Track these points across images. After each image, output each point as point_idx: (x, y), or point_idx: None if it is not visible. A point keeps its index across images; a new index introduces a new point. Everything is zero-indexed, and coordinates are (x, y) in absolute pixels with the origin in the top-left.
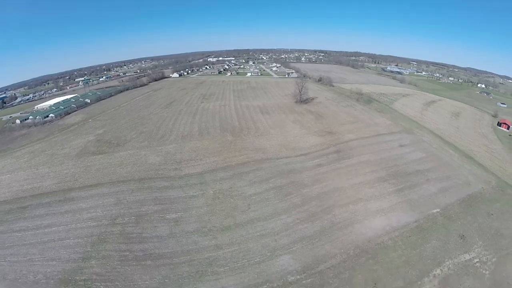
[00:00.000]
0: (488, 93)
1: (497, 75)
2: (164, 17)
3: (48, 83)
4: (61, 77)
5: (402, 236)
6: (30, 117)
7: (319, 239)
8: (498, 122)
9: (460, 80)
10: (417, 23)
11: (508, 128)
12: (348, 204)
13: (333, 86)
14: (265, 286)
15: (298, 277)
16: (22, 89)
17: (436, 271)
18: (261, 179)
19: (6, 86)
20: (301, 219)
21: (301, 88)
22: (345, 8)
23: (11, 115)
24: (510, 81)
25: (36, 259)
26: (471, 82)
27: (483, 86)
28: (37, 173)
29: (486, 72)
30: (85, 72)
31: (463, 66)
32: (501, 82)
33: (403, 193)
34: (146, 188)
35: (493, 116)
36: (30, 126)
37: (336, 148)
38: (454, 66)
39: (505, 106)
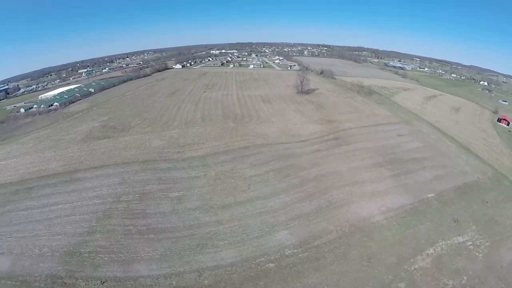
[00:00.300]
0: (490, 91)
1: (500, 74)
2: (167, 9)
3: (51, 75)
4: (63, 69)
5: (397, 217)
6: (35, 106)
7: (315, 216)
8: (498, 118)
9: (462, 77)
10: (421, 19)
11: (508, 124)
12: (344, 186)
13: (334, 78)
14: (263, 259)
15: (295, 251)
16: (24, 81)
17: (429, 250)
18: (261, 162)
19: (8, 78)
20: (299, 198)
21: (303, 79)
22: (350, 3)
23: (15, 105)
24: None
25: (42, 234)
26: (473, 79)
27: (486, 83)
28: (43, 156)
29: (489, 71)
30: (88, 64)
31: (466, 64)
32: (504, 81)
33: (399, 178)
34: (150, 169)
35: (493, 112)
36: (34, 115)
37: (335, 136)
38: (458, 64)
39: (507, 103)
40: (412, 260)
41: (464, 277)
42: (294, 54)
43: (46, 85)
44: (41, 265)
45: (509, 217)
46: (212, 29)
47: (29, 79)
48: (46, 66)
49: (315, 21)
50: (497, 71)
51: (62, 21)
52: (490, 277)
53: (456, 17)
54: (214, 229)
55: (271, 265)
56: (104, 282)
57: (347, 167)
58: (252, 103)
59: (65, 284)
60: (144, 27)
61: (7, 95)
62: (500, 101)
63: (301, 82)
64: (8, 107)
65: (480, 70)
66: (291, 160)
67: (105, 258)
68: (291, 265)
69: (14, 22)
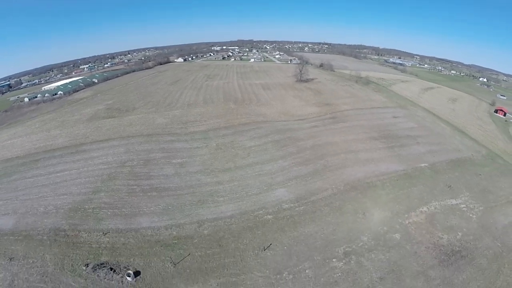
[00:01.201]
0: (488, 86)
1: (501, 73)
2: (168, 7)
3: (52, 71)
4: (65, 66)
5: (390, 180)
6: (39, 95)
7: (312, 177)
8: (495, 109)
9: (462, 74)
10: (422, 18)
11: (504, 115)
12: (339, 154)
13: (333, 71)
14: (261, 212)
15: (292, 205)
16: (26, 77)
17: (422, 208)
18: (260, 135)
19: (9, 75)
20: (296, 163)
21: (302, 68)
22: (351, 1)
23: (18, 96)
24: None
25: (48, 196)
26: (473, 76)
27: (485, 80)
28: (48, 135)
29: (490, 70)
30: (89, 61)
31: (467, 63)
32: (504, 79)
33: (392, 149)
34: (154, 141)
35: (490, 104)
36: (38, 103)
37: (332, 115)
38: (458, 63)
39: (505, 98)
40: (406, 215)
41: (459, 233)
42: (295, 50)
43: (48, 79)
44: (45, 220)
45: (502, 188)
46: (214, 27)
47: (30, 75)
48: (47, 64)
49: (317, 20)
50: (498, 70)
51: (61, 19)
52: (485, 236)
53: (457, 15)
54: (214, 188)
55: (269, 216)
56: (106, 234)
57: (343, 139)
58: (253, 89)
59: (68, 236)
60: (145, 26)
61: (10, 89)
62: (498, 95)
63: (300, 71)
64: (12, 98)
65: (480, 69)
66: (289, 133)
67: (109, 213)
68: (288, 216)
69: (12, 19)
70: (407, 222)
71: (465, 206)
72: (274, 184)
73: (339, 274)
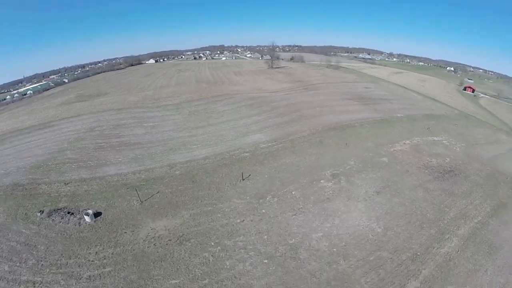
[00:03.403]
0: (455, 72)
1: (468, 66)
2: (138, 17)
3: (22, 82)
4: (34, 78)
5: (368, 123)
6: (8, 97)
7: (288, 124)
8: (464, 87)
9: (430, 64)
10: (390, 18)
11: (473, 92)
12: (315, 107)
13: (304, 62)
14: (237, 151)
15: (270, 144)
16: None
17: (405, 141)
18: (234, 102)
19: None
20: (271, 116)
21: (272, 55)
22: (322, 4)
23: None
24: (480, 70)
25: (10, 161)
26: (440, 66)
27: (452, 69)
28: (16, 120)
29: (458, 64)
30: (59, 71)
31: (435, 59)
32: (471, 70)
33: (367, 106)
34: (125, 112)
35: (458, 85)
36: (8, 103)
37: (304, 87)
38: (426, 58)
39: (472, 81)
40: (390, 145)
41: (447, 158)
42: (265, 51)
43: (18, 88)
44: (4, 179)
45: (479, 134)
46: (184, 35)
47: None
48: (15, 79)
49: (287, 25)
50: (466, 63)
51: (27, 30)
52: (473, 162)
53: (426, 14)
54: (187, 139)
55: (246, 154)
56: (68, 184)
57: (316, 99)
58: (225, 75)
59: (26, 189)
60: (115, 36)
61: None
62: (466, 79)
63: (271, 59)
64: None
65: (448, 63)
66: (262, 99)
67: (73, 166)
68: (266, 153)
69: None
70: (392, 150)
71: (447, 142)
72: (250, 132)
73: (330, 192)
